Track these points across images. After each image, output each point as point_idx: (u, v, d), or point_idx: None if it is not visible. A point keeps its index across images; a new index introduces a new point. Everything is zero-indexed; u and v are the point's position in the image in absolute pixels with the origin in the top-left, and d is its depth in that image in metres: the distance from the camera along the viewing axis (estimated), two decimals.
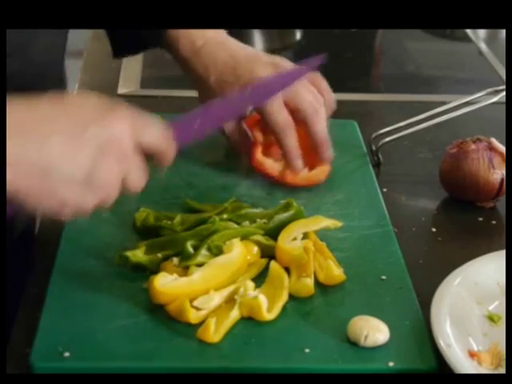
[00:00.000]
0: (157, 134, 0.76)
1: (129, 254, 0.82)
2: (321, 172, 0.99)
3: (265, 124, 0.96)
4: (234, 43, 0.99)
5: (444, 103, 1.10)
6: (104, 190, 0.71)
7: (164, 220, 0.88)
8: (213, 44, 0.97)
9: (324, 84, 0.99)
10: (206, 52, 0.97)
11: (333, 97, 1.00)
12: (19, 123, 0.67)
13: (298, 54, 1.72)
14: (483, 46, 1.62)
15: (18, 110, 0.68)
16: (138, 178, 0.75)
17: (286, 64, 0.96)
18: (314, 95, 0.96)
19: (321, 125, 0.96)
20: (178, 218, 0.87)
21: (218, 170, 1.02)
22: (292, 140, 0.95)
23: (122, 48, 1.05)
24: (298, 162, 0.96)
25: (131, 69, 1.39)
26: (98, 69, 1.38)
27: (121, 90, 1.31)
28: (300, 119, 0.96)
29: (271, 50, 1.72)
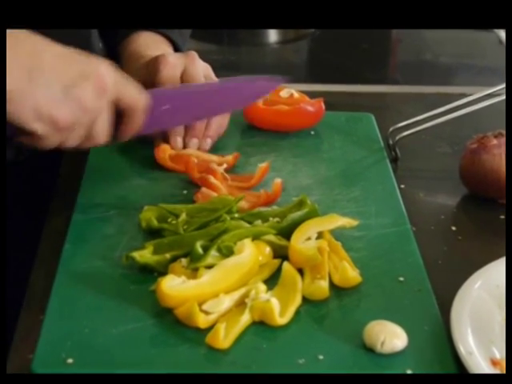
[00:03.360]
0: (135, 94, 0.84)
1: (136, 254, 0.79)
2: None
3: None
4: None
5: (464, 95, 1.08)
6: (77, 107, 0.78)
7: (169, 218, 0.86)
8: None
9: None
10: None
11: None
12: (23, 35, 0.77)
13: (313, 45, 1.71)
14: (503, 35, 1.59)
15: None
16: (104, 128, 0.82)
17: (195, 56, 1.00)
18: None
19: None
20: (183, 217, 0.85)
21: None
22: None
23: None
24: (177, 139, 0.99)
25: None
26: None
27: None
28: None
29: (286, 40, 1.71)
